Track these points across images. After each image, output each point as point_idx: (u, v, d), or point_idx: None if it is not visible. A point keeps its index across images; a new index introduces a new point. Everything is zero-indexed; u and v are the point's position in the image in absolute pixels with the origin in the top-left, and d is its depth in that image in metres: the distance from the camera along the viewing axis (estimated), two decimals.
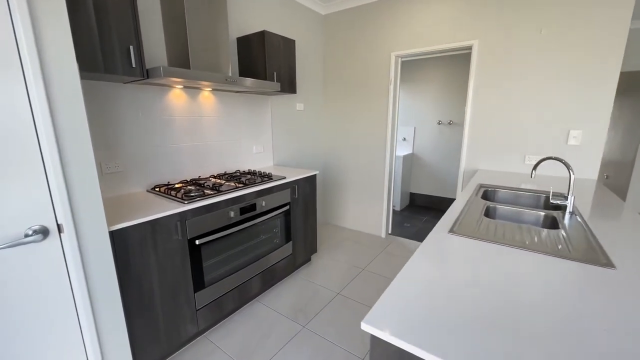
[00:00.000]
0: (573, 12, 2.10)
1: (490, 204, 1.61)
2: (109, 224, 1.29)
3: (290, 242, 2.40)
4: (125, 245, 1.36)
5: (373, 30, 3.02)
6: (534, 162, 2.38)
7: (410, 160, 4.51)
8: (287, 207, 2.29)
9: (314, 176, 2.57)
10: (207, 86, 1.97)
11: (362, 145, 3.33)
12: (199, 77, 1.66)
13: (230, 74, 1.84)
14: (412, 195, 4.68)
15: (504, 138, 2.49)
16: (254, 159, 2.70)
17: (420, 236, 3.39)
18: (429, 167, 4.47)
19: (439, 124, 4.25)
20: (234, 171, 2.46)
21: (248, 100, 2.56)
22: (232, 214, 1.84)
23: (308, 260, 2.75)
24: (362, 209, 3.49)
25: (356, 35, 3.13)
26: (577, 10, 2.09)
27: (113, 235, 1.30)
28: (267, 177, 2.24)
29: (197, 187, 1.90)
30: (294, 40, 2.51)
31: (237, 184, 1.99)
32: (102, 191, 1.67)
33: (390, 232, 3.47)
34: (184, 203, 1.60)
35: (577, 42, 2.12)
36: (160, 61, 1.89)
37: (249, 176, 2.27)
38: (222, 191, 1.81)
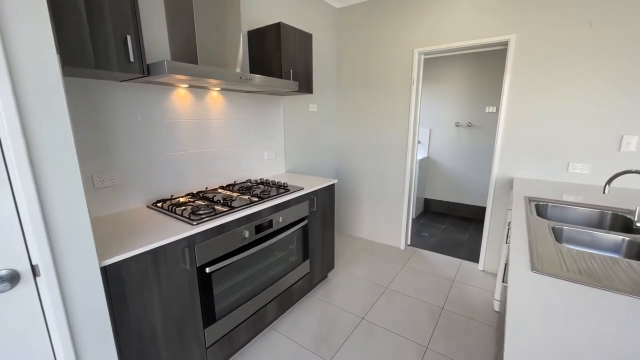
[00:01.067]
0: (628, 2, 1.85)
1: (556, 225, 1.36)
2: (101, 257, 1.03)
3: (308, 260, 2.15)
4: (121, 282, 1.10)
5: (393, 25, 2.76)
6: (580, 171, 2.14)
7: (425, 164, 4.26)
8: (305, 221, 2.03)
9: (333, 186, 2.32)
10: (216, 85, 1.71)
11: (380, 149, 3.08)
12: (210, 74, 1.40)
13: (243, 72, 1.58)
14: (426, 201, 4.44)
15: (544, 144, 2.24)
16: (265, 166, 2.44)
17: (441, 247, 3.15)
18: (446, 172, 4.22)
19: (457, 126, 4.00)
20: (244, 181, 2.21)
21: (259, 101, 2.30)
22: (246, 233, 1.58)
23: (324, 277, 2.50)
24: (378, 218, 3.24)
25: (374, 31, 2.88)
26: (633, 1, 1.84)
27: (106, 271, 1.04)
28: (283, 188, 1.98)
29: (206, 203, 1.64)
30: (311, 35, 2.25)
31: (251, 198, 1.73)
32: (93, 209, 1.41)
33: (409, 243, 3.22)
34: (192, 224, 1.34)
35: (632, 37, 1.87)
36: (162, 56, 1.63)
37: (262, 187, 2.01)
38: (235, 207, 1.55)
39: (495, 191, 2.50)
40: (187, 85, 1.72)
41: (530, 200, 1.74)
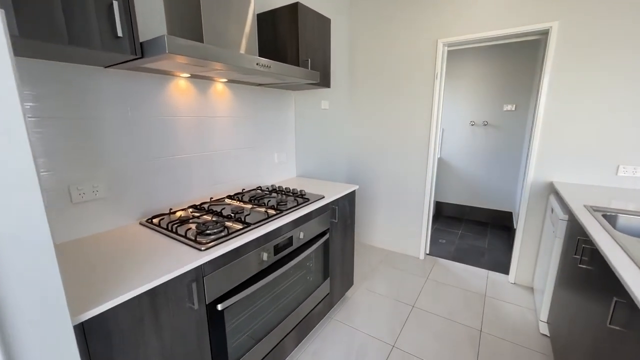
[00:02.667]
0: None
1: None
2: (76, 309, 0.73)
3: (328, 279, 1.86)
4: (106, 340, 0.79)
5: (414, 12, 2.50)
6: (632, 174, 1.91)
7: (437, 166, 4.02)
8: (327, 235, 1.74)
9: (354, 193, 2.04)
10: (224, 75, 1.41)
11: (397, 150, 2.81)
12: (222, 57, 1.09)
13: (258, 57, 1.28)
14: (438, 204, 4.20)
15: (589, 145, 2.01)
16: (276, 170, 2.15)
17: (462, 256, 2.90)
18: (459, 174, 3.99)
19: (472, 125, 3.77)
20: (254, 188, 1.91)
21: (269, 97, 2.00)
22: (264, 256, 1.29)
23: (343, 295, 2.22)
24: (395, 225, 2.97)
25: (392, 19, 2.61)
26: None
27: (84, 328, 0.74)
28: (301, 197, 1.69)
29: (214, 218, 1.34)
30: (329, 20, 1.97)
31: (267, 211, 1.44)
32: (70, 231, 1.10)
33: (428, 252, 2.97)
34: (200, 250, 1.04)
35: None
36: (158, 33, 1.32)
37: (276, 196, 1.71)
38: (250, 224, 1.26)
39: (530, 196, 2.25)
40: (189, 75, 1.41)
41: (593, 209, 1.50)
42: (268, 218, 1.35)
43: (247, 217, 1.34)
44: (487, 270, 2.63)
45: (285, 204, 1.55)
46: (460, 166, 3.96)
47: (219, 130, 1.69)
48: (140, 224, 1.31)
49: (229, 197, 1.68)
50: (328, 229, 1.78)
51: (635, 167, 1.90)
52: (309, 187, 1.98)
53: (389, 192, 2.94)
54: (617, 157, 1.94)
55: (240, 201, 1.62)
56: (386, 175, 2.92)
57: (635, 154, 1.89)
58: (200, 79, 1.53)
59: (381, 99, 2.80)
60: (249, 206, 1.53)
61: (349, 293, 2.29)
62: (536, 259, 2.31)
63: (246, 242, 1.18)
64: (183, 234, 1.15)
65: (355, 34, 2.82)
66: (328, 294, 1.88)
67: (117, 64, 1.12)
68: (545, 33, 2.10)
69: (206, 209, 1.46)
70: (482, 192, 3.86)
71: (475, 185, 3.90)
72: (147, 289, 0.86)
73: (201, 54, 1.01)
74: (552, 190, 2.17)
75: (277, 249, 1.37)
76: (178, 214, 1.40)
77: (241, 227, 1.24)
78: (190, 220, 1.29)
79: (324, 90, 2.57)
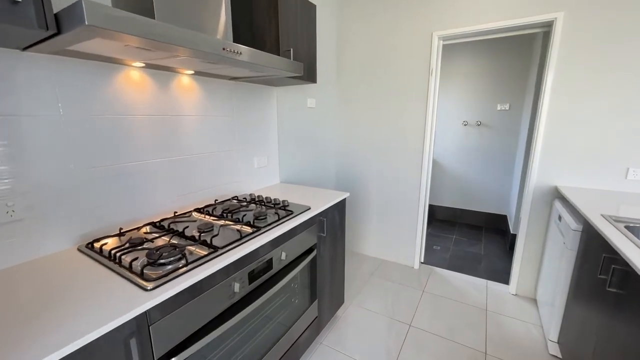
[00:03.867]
0: None
1: None
2: None
3: (316, 302, 1.63)
4: None
5: (408, 2, 2.30)
6: None
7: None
8: (314, 252, 1.51)
9: (344, 201, 1.82)
10: (186, 64, 1.16)
11: (390, 153, 2.61)
12: (173, 37, 0.84)
13: (231, 41, 1.04)
14: (430, 207, 4.04)
15: (596, 146, 1.86)
16: (255, 176, 1.90)
17: (458, 264, 2.73)
18: (452, 176, 3.84)
19: (465, 125, 3.63)
20: (229, 198, 1.65)
21: (247, 93, 1.76)
22: (236, 287, 1.04)
23: (333, 315, 1.99)
24: (387, 232, 2.77)
25: (384, 10, 2.40)
26: None
27: None
28: (283, 208, 1.45)
29: (173, 241, 1.08)
30: (315, 6, 1.74)
31: (241, 228, 1.19)
32: None
33: (422, 260, 2.78)
34: (146, 289, 0.79)
35: None
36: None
37: (255, 208, 1.47)
38: (217, 249, 1.01)
39: (533, 202, 2.09)
40: (142, 64, 1.15)
41: (613, 220, 1.32)
42: (242, 238, 1.10)
43: (215, 239, 1.09)
44: (485, 280, 2.46)
45: (265, 218, 1.32)
46: (453, 168, 3.81)
47: (185, 132, 1.43)
48: (79, 249, 1.04)
49: (198, 210, 1.42)
50: (315, 244, 1.55)
51: None
52: (293, 196, 1.74)
53: (381, 198, 2.73)
54: (627, 160, 1.80)
55: (210, 215, 1.36)
56: (378, 180, 2.72)
57: None
58: (158, 70, 1.27)
59: (372, 98, 2.59)
60: (220, 222, 1.28)
61: (339, 312, 2.06)
62: (539, 268, 2.15)
63: (212, 273, 0.93)
64: (127, 265, 0.89)
65: (344, 27, 2.60)
66: (316, 317, 1.65)
67: (35, 45, 0.85)
68: (548, 25, 1.94)
69: (166, 227, 1.20)
70: (476, 195, 3.73)
71: (468, 188, 3.76)
72: (64, 355, 0.60)
73: (141, 30, 0.76)
74: (556, 195, 2.02)
75: (253, 276, 1.13)
76: (129, 235, 1.13)
77: (206, 252, 0.99)
78: (143, 245, 1.03)
79: (310, 86, 2.34)
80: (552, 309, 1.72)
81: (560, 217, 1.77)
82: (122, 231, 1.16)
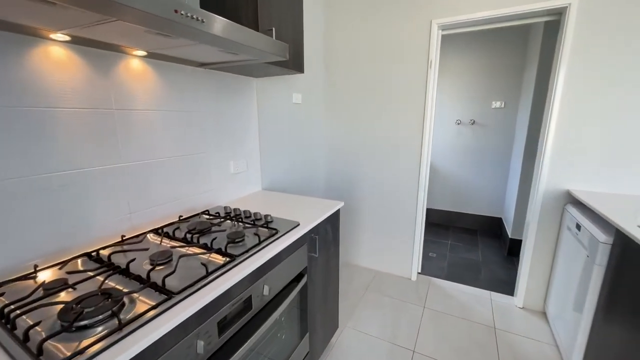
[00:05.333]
0: None
1: None
2: None
3: (307, 335, 1.35)
4: None
5: None
6: None
7: None
8: (304, 278, 1.23)
9: (338, 212, 1.55)
10: (131, 37, 0.85)
11: (385, 155, 2.37)
12: None
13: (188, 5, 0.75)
14: None
15: (612, 147, 1.69)
16: (232, 183, 1.59)
17: (458, 273, 2.53)
18: (445, 177, 3.66)
19: (458, 124, 3.45)
20: (198, 213, 1.34)
21: (220, 83, 1.45)
22: (200, 346, 0.75)
23: (327, 344, 1.72)
24: (382, 241, 2.53)
25: None
26: None
27: None
28: (266, 226, 1.16)
29: (108, 284, 0.77)
30: None
31: (208, 260, 0.90)
32: None
33: (420, 270, 2.56)
34: None
35: None
36: None
37: (230, 226, 1.17)
38: (172, 295, 0.72)
39: (543, 209, 1.91)
40: (67, 36, 0.83)
41: None
42: (208, 275, 0.81)
43: (170, 278, 0.79)
44: (489, 292, 2.27)
45: (242, 241, 1.03)
46: (446, 169, 3.63)
47: (138, 131, 1.11)
48: None
49: (155, 231, 1.11)
50: (306, 268, 1.27)
51: None
52: (277, 208, 1.46)
53: (375, 204, 2.49)
54: None
55: (171, 239, 1.06)
56: (372, 184, 2.47)
57: None
58: (92, 47, 0.95)
59: (365, 93, 2.34)
60: (183, 249, 0.97)
61: (333, 338, 1.80)
62: (548, 280, 1.97)
63: (161, 337, 0.64)
64: (21, 335, 0.58)
65: (333, 15, 2.33)
66: (307, 353, 1.37)
67: None
68: (559, 13, 1.76)
69: (104, 260, 0.88)
70: (470, 197, 3.57)
71: (462, 190, 3.59)
72: None
73: None
74: (569, 199, 1.84)
75: (225, 325, 0.83)
76: (44, 276, 0.81)
77: (154, 303, 0.69)
78: (61, 293, 0.72)
79: (295, 79, 2.05)
80: (571, 328, 1.53)
81: (578, 226, 1.58)
82: (37, 269, 0.83)
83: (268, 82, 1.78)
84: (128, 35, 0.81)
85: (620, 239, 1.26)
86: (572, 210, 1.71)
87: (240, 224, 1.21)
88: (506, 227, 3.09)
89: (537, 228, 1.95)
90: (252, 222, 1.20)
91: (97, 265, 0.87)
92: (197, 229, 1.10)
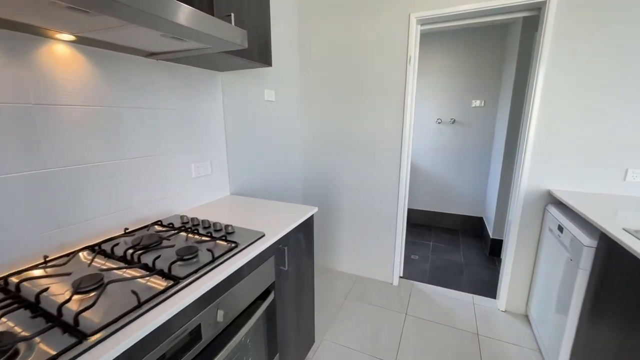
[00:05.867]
0: None
1: None
2: None
3: (277, 356, 1.22)
4: None
5: None
6: None
7: None
8: (271, 296, 1.10)
9: (312, 219, 1.42)
10: (45, 13, 0.69)
11: (365, 154, 2.27)
12: None
13: None
14: None
15: (592, 146, 1.65)
16: (194, 188, 1.43)
17: (440, 276, 2.47)
18: (426, 177, 3.61)
19: (439, 123, 3.41)
20: (150, 224, 1.17)
21: (178, 77, 1.29)
22: None
23: None
24: (362, 244, 2.43)
25: None
26: None
27: None
28: (224, 238, 1.02)
29: (8, 324, 0.61)
30: None
31: (147, 283, 0.75)
32: None
33: (402, 274, 2.48)
34: None
35: None
36: None
37: (183, 239, 1.02)
38: (86, 336, 0.56)
39: (525, 209, 1.86)
40: None
41: None
42: (139, 307, 0.66)
43: (88, 313, 0.64)
44: (471, 295, 2.21)
45: (194, 258, 0.88)
46: (427, 169, 3.59)
47: (70, 130, 0.94)
48: None
49: (90, 248, 0.94)
50: (273, 283, 1.13)
51: None
52: (244, 215, 1.31)
53: (355, 206, 2.38)
54: (626, 161, 1.61)
55: (107, 257, 0.89)
56: (351, 185, 2.36)
57: None
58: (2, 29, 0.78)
59: (343, 91, 2.23)
60: (119, 271, 0.82)
61: (309, 354, 1.67)
62: (530, 282, 1.93)
63: None
64: None
65: (308, 7, 2.20)
66: None
67: None
68: (539, 8, 1.71)
69: (11, 290, 0.71)
70: (451, 197, 3.53)
71: (443, 190, 3.55)
72: None
73: None
74: (549, 200, 1.79)
75: None
76: None
77: (58, 351, 0.53)
78: None
79: (267, 75, 1.91)
80: (555, 333, 1.48)
81: (560, 228, 1.53)
82: None
83: (235, 76, 1.63)
84: (34, 10, 0.65)
85: (605, 243, 1.21)
86: (553, 211, 1.67)
87: (196, 236, 1.05)
88: (487, 226, 3.07)
89: (519, 229, 1.90)
90: (209, 234, 1.05)
91: (3, 295, 0.70)
92: (142, 245, 0.95)
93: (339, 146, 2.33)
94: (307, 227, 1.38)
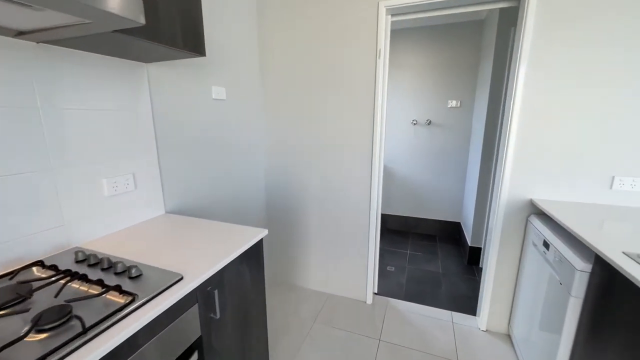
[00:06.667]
0: None
1: None
2: None
3: None
4: None
5: None
6: (631, 187, 1.45)
7: None
8: (194, 356, 0.83)
9: (260, 245, 1.16)
10: None
11: (332, 161, 2.03)
12: None
13: None
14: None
15: (577, 151, 1.50)
16: (108, 211, 1.13)
17: (417, 291, 2.28)
18: (402, 181, 3.44)
19: (414, 124, 3.24)
20: (24, 265, 0.86)
21: (81, 68, 0.98)
22: None
23: None
24: (334, 261, 2.19)
25: None
26: None
27: None
28: (120, 288, 0.74)
29: None
30: None
31: None
32: None
33: (376, 290, 2.27)
34: None
35: None
36: None
37: (58, 289, 0.72)
38: None
39: (505, 220, 1.69)
40: None
41: None
42: None
43: None
44: (450, 312, 2.03)
45: (61, 326, 0.60)
46: (403, 172, 3.41)
47: None
48: None
49: None
50: (200, 338, 0.86)
51: (635, 178, 1.44)
52: (168, 245, 1.03)
53: (324, 217, 2.14)
54: (612, 167, 1.46)
55: None
56: (320, 195, 2.12)
57: (635, 162, 1.43)
58: None
59: (309, 88, 1.98)
60: None
61: None
62: (512, 299, 1.77)
63: None
64: None
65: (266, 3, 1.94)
66: None
67: None
68: (517, 1, 1.54)
69: None
70: (428, 202, 3.38)
71: (420, 194, 3.39)
72: None
73: None
74: (531, 210, 1.63)
75: None
76: None
77: None
78: None
79: (214, 68, 1.63)
80: (542, 356, 1.30)
81: (546, 244, 1.36)
82: None
83: (168, 69, 1.34)
84: None
85: (602, 267, 1.03)
86: (537, 223, 1.50)
87: (83, 285, 0.76)
88: (465, 233, 2.93)
89: (500, 244, 1.73)
90: (101, 283, 0.76)
91: None
92: None
93: (304, 152, 2.08)
94: (253, 254, 1.12)
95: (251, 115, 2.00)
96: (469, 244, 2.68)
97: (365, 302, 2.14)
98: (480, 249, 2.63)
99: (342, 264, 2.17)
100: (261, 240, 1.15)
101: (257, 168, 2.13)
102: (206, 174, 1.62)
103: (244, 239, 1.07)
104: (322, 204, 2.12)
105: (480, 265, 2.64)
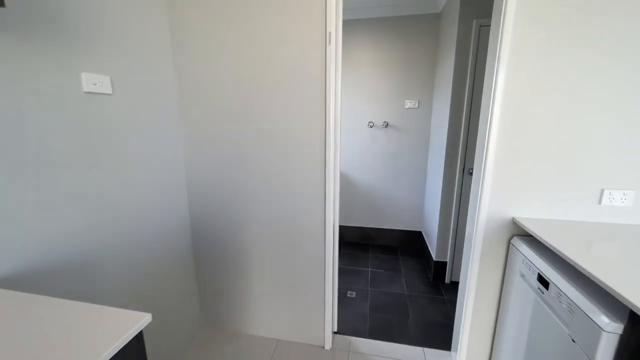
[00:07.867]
0: None
1: None
2: None
3: None
4: None
5: None
6: (621, 202, 1.25)
7: None
8: None
9: (140, 336, 0.67)
10: None
11: (275, 175, 1.58)
12: None
13: None
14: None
15: (562, 163, 1.27)
16: None
17: (381, 321, 1.95)
18: (359, 189, 3.12)
19: (371, 126, 2.94)
20: None
21: None
22: None
23: None
24: (284, 299, 1.75)
25: None
26: None
27: None
28: None
29: None
30: None
31: None
32: None
33: (336, 329, 1.88)
34: None
35: None
36: None
37: None
38: None
39: (485, 243, 1.41)
40: None
41: None
42: None
43: None
44: (422, 349, 1.72)
45: None
46: (359, 180, 3.10)
47: None
48: None
49: None
50: None
51: (625, 191, 1.24)
52: None
53: (270, 247, 1.69)
54: (601, 180, 1.26)
55: None
56: (262, 220, 1.65)
57: (624, 176, 1.23)
58: None
59: (238, 90, 1.50)
60: None
61: None
62: (493, 334, 1.51)
63: None
64: None
65: None
66: None
67: None
68: None
69: None
70: (387, 210, 3.11)
71: (379, 202, 3.11)
72: None
73: None
74: (514, 231, 1.37)
75: None
76: None
77: None
78: None
79: (91, 49, 1.07)
80: None
81: (544, 280, 1.08)
82: None
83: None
84: None
85: (631, 327, 0.75)
86: (524, 249, 1.24)
87: None
88: (429, 246, 2.70)
89: (480, 270, 1.45)
90: None
91: None
92: None
93: (239, 168, 1.60)
94: (127, 354, 0.63)
95: (162, 116, 1.46)
96: (434, 259, 2.44)
97: (324, 347, 1.74)
98: (445, 262, 2.40)
99: (293, 304, 1.74)
100: (141, 333, 0.67)
101: (178, 194, 1.59)
102: (78, 206, 1.06)
103: (106, 335, 0.58)
104: (266, 231, 1.66)
105: (446, 281, 2.41)
